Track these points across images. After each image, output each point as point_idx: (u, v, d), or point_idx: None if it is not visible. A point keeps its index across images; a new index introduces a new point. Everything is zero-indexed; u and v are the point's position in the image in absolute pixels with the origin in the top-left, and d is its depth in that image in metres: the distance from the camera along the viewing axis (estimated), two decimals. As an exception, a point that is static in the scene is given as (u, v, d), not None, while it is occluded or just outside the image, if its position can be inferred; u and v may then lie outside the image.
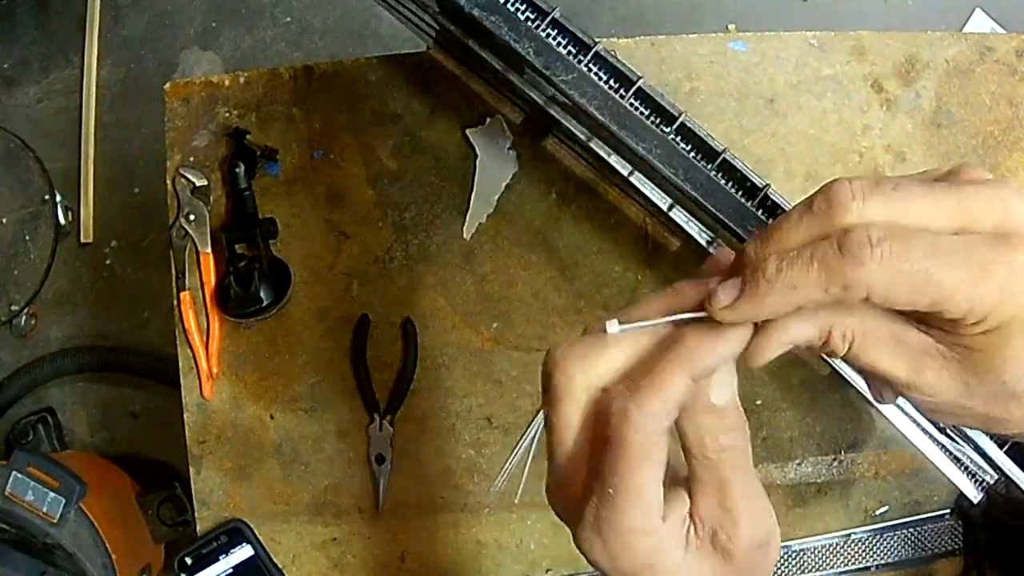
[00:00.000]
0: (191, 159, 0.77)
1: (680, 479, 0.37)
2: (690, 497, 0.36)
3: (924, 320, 0.34)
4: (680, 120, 0.43)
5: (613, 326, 0.36)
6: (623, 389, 0.35)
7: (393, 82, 0.76)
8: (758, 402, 0.74)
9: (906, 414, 0.44)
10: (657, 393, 0.34)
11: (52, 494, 1.09)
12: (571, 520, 0.38)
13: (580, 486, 0.37)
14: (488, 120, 0.76)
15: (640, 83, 0.44)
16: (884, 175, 0.33)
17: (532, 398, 0.75)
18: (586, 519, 0.36)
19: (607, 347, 0.36)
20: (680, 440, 0.37)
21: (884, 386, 0.38)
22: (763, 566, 0.38)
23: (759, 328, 0.35)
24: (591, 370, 0.36)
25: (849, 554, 0.74)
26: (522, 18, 0.44)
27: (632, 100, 0.44)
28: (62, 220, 1.56)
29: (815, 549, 0.74)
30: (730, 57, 0.76)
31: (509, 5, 0.44)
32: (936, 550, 0.74)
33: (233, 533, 0.74)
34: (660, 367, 0.35)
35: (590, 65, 0.44)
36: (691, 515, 0.36)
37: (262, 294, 0.73)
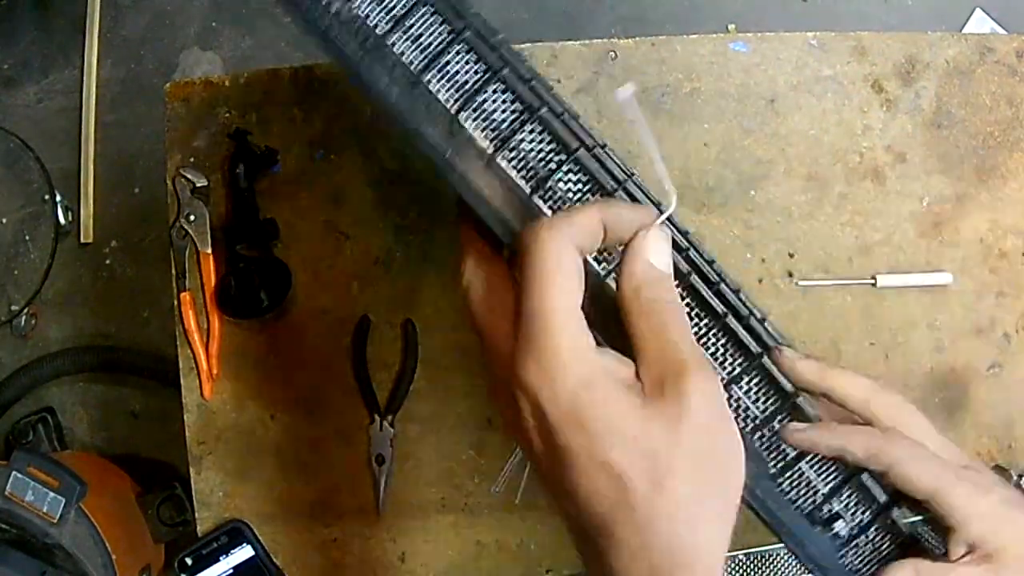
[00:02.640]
0: (191, 159, 0.76)
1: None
2: (635, 359, 0.36)
3: None
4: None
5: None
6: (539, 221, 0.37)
7: (393, 82, 0.76)
8: (758, 402, 0.74)
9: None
10: (566, 219, 0.36)
11: (52, 494, 1.09)
12: (506, 366, 0.36)
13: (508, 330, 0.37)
14: (488, 120, 0.76)
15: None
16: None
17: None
18: (519, 347, 0.35)
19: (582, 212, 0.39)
20: (619, 303, 0.37)
21: None
22: (720, 474, 0.35)
23: None
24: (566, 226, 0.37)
25: (849, 554, 0.74)
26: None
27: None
28: (62, 220, 1.56)
29: (815, 549, 0.74)
30: (730, 57, 0.76)
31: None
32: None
33: (233, 533, 0.74)
34: (578, 206, 0.39)
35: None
36: (638, 376, 0.36)
37: (262, 295, 0.73)
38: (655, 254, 0.38)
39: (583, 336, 0.35)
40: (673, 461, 0.33)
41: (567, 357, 0.34)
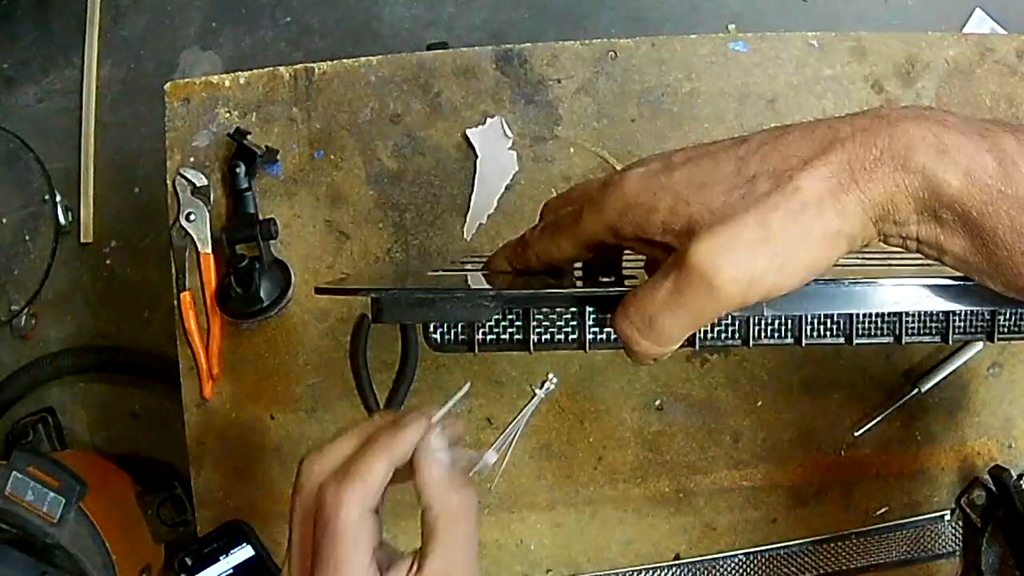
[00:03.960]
0: (191, 159, 0.77)
1: (397, 558, 0.43)
2: (419, 562, 0.42)
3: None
4: None
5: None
6: (333, 478, 0.42)
7: (393, 82, 0.77)
8: (759, 403, 0.74)
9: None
10: (362, 478, 0.42)
11: (52, 494, 1.09)
12: None
13: None
14: (488, 120, 0.76)
15: None
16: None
17: (531, 398, 0.75)
18: None
19: (337, 444, 0.44)
20: (421, 503, 0.43)
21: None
22: None
23: None
24: (324, 463, 0.43)
25: (849, 554, 0.74)
26: None
27: None
28: (62, 220, 1.56)
29: (815, 549, 0.74)
30: (730, 58, 0.76)
31: None
32: (936, 550, 0.74)
33: (233, 533, 0.74)
34: (364, 457, 0.43)
35: None
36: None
37: (262, 294, 0.73)
38: (436, 463, 0.44)
39: None
40: None
41: None
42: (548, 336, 0.44)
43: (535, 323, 0.44)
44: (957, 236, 0.35)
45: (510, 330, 0.44)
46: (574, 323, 0.44)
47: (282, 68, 0.77)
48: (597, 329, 0.44)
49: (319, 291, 0.44)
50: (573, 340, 0.44)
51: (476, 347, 0.44)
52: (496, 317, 0.44)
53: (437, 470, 0.43)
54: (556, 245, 0.42)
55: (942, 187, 0.34)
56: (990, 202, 0.34)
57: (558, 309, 0.44)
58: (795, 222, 0.34)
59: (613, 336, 0.43)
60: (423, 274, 0.49)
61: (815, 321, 0.44)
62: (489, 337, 0.44)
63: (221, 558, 0.74)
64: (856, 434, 0.74)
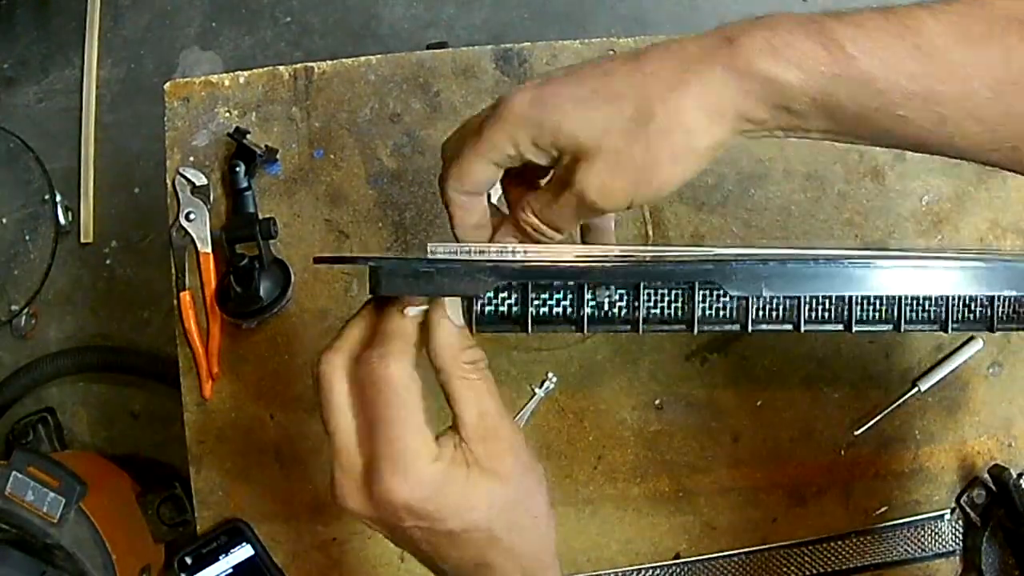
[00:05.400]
0: (191, 159, 0.77)
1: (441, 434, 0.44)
2: (456, 425, 0.44)
3: None
4: None
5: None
6: (371, 349, 0.42)
7: (393, 82, 0.77)
8: (758, 403, 0.74)
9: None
10: (400, 339, 0.43)
11: (52, 494, 1.09)
12: (363, 492, 0.43)
13: (363, 459, 0.43)
14: (488, 120, 0.76)
15: None
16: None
17: (531, 398, 0.75)
18: (381, 468, 0.41)
19: (351, 327, 0.45)
20: (438, 376, 0.44)
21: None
22: (538, 494, 0.45)
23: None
24: (344, 347, 0.44)
25: (849, 554, 0.74)
26: None
27: None
28: (62, 220, 1.56)
29: (815, 549, 0.74)
30: (730, 57, 0.76)
31: None
32: (936, 550, 0.74)
33: (233, 533, 0.74)
34: (400, 321, 0.44)
35: None
36: (460, 442, 0.43)
37: (262, 294, 0.73)
38: (455, 317, 0.45)
39: (430, 438, 0.43)
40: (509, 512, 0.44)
41: (422, 468, 0.42)
42: (546, 310, 0.45)
43: (533, 295, 0.45)
44: (816, 119, 0.40)
45: (508, 301, 0.46)
46: (572, 296, 0.45)
47: (282, 67, 0.77)
48: (595, 305, 0.45)
49: (317, 260, 0.45)
50: (571, 316, 0.45)
51: (474, 326, 0.45)
52: (490, 296, 0.45)
53: (447, 335, 0.44)
54: (467, 168, 0.45)
55: (782, 83, 0.39)
56: (829, 85, 0.38)
57: (555, 295, 0.45)
58: (661, 147, 0.40)
59: (610, 313, 0.46)
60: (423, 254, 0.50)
61: (813, 301, 0.44)
62: (488, 309, 0.46)
63: (221, 558, 0.74)
64: (856, 433, 0.74)
